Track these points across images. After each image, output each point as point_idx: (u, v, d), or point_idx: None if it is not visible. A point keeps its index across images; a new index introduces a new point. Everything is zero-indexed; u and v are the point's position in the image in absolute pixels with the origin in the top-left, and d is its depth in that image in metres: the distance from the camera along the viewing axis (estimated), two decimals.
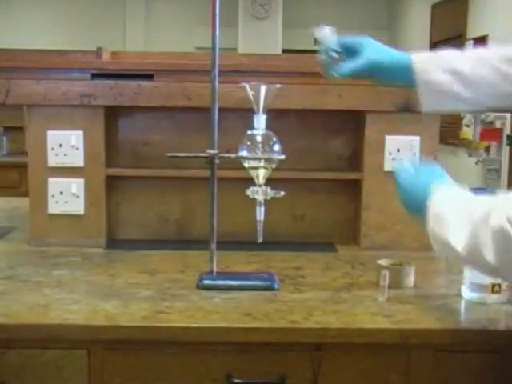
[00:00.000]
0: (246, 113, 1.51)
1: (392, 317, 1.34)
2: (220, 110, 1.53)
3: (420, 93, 1.42)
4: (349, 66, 1.41)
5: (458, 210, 1.18)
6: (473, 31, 6.36)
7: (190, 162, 1.68)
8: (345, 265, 1.74)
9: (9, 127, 5.32)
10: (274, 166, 1.48)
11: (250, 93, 1.46)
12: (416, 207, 1.27)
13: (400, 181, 1.32)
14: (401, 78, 1.43)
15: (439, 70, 1.40)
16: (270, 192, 1.48)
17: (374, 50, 1.42)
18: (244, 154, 1.47)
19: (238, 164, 1.50)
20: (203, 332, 1.29)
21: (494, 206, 1.12)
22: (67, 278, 1.57)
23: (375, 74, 1.44)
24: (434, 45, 7.50)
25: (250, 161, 1.47)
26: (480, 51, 1.45)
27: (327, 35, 1.45)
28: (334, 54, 1.43)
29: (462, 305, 1.45)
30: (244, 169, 1.49)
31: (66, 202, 1.84)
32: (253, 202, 1.49)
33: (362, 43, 1.42)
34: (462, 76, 1.39)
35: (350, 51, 1.42)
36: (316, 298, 1.45)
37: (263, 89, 1.45)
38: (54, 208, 1.85)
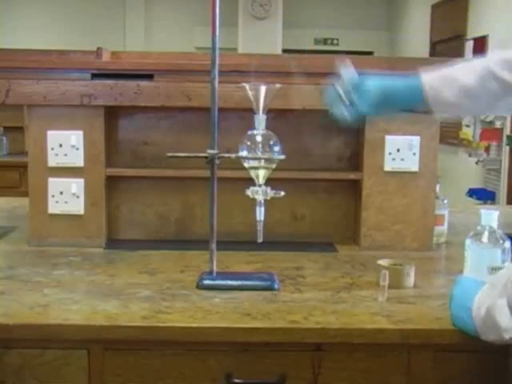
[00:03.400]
0: (245, 113, 1.51)
1: (392, 317, 1.34)
2: (220, 110, 1.53)
3: (432, 108, 1.46)
4: (363, 101, 1.43)
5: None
6: (473, 31, 6.36)
7: (190, 162, 1.68)
8: (345, 265, 1.74)
9: (9, 127, 5.32)
10: (274, 166, 1.48)
11: (250, 93, 1.46)
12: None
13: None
14: (412, 98, 1.46)
15: (447, 87, 1.43)
16: (270, 192, 1.48)
17: (380, 78, 1.46)
18: (244, 154, 1.47)
19: (238, 164, 1.50)
20: (203, 332, 1.29)
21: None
22: (67, 278, 1.57)
23: (388, 100, 1.45)
24: (434, 45, 7.51)
25: (250, 161, 1.47)
26: (483, 61, 1.47)
27: (350, 73, 1.46)
28: (345, 100, 1.44)
29: None
30: (244, 169, 1.49)
31: (66, 202, 1.84)
32: (253, 202, 1.49)
33: (368, 78, 1.46)
34: (469, 91, 1.42)
35: (357, 90, 1.45)
36: (316, 298, 1.45)
37: (263, 89, 1.45)
38: (54, 208, 1.85)
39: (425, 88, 1.43)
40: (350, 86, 1.44)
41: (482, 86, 1.41)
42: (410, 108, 1.51)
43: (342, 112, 1.45)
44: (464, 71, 1.45)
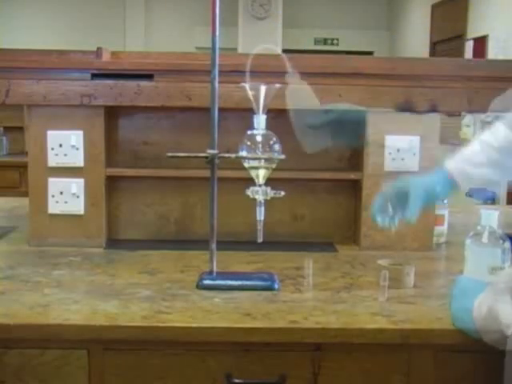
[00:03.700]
0: (246, 113, 1.51)
1: (392, 317, 1.34)
2: (220, 109, 1.53)
3: (461, 186, 1.52)
4: (412, 209, 1.49)
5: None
6: (473, 31, 6.36)
7: (190, 162, 1.68)
8: (345, 265, 1.74)
9: (9, 127, 5.32)
10: (274, 166, 1.48)
11: (250, 93, 1.46)
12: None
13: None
14: (448, 187, 1.53)
15: (472, 165, 1.50)
16: (270, 192, 1.48)
17: (418, 181, 1.52)
18: (244, 154, 1.47)
19: (238, 164, 1.50)
20: (203, 332, 1.29)
21: None
22: (67, 278, 1.57)
23: (430, 198, 1.53)
24: (434, 45, 7.51)
25: (250, 161, 1.47)
26: (497, 129, 1.52)
27: (394, 186, 1.54)
28: (391, 211, 1.51)
29: None
30: (244, 169, 1.49)
31: (66, 202, 1.84)
32: (253, 202, 1.49)
33: (408, 182, 1.53)
34: (495, 160, 1.49)
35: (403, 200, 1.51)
36: (316, 298, 1.45)
37: (263, 89, 1.45)
38: (54, 208, 1.85)
39: (451, 172, 1.50)
40: (396, 197, 1.51)
41: (505, 152, 1.48)
42: (449, 197, 1.61)
43: (389, 221, 1.52)
44: (483, 145, 1.51)
